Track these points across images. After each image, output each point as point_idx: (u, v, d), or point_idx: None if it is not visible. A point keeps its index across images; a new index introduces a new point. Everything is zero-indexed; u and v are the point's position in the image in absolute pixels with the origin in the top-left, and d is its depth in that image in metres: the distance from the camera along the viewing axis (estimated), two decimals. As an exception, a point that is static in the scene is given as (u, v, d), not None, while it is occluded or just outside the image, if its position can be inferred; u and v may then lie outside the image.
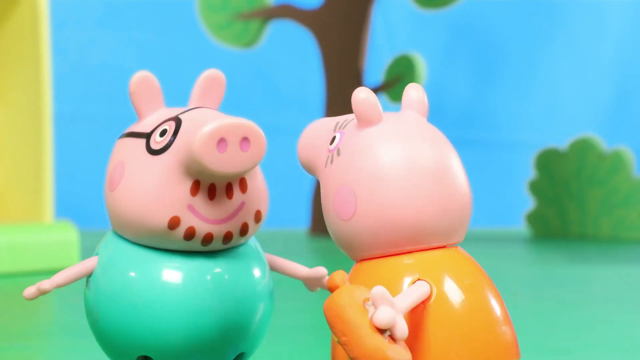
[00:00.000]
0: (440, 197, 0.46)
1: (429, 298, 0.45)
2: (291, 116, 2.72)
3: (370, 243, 0.46)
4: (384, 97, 2.28)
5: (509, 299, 1.12)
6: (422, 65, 2.23)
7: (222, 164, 0.48)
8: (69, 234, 1.31)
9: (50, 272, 0.55)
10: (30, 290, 0.51)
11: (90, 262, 0.52)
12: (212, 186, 0.49)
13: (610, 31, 3.23)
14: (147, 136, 0.51)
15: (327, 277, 0.55)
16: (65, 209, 2.01)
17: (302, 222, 2.43)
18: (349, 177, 0.46)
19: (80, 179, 2.37)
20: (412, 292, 0.44)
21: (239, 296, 0.51)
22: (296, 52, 2.70)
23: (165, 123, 0.51)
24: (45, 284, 0.51)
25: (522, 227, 2.64)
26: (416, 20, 2.85)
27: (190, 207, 0.49)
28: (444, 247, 0.48)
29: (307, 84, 2.67)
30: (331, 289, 0.43)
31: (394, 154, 0.46)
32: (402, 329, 0.41)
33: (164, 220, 0.49)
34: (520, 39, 3.10)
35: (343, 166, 0.47)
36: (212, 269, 0.51)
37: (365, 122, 0.48)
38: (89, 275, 0.53)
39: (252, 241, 0.54)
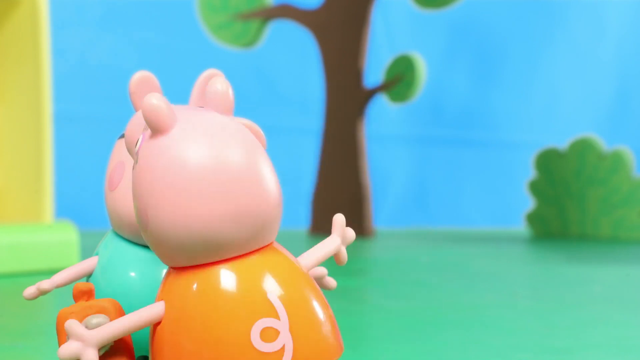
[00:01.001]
0: (230, 206, 0.43)
1: (159, 322, 0.44)
2: (291, 116, 2.72)
3: (167, 256, 0.44)
4: (384, 97, 2.28)
5: (510, 299, 1.12)
6: (422, 65, 2.23)
7: None
8: (69, 234, 1.31)
9: (50, 272, 0.55)
10: (30, 290, 0.51)
11: (90, 262, 0.53)
12: None
13: (610, 31, 3.23)
14: None
15: (327, 277, 0.55)
16: (65, 209, 2.01)
17: (302, 222, 2.43)
18: (141, 187, 0.44)
19: (80, 179, 2.37)
20: (117, 321, 0.43)
21: None
22: (296, 52, 2.70)
23: None
24: (45, 283, 0.51)
25: (522, 227, 2.64)
26: (416, 20, 2.85)
27: None
28: (255, 250, 0.45)
29: (307, 84, 2.67)
30: (75, 297, 0.45)
31: (177, 165, 0.43)
32: (88, 358, 0.42)
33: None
34: (520, 39, 3.10)
35: (138, 174, 0.44)
36: None
37: (154, 131, 0.44)
38: (88, 275, 0.53)
39: None
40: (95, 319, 0.44)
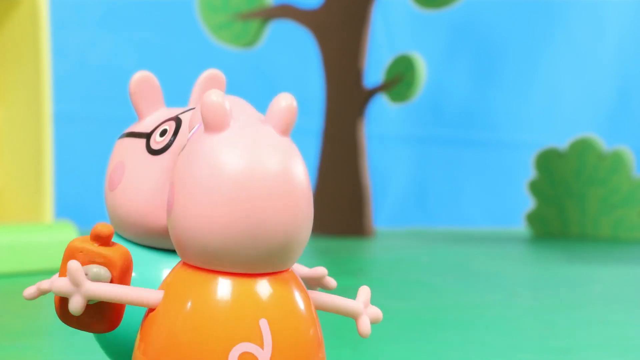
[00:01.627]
0: (258, 222, 0.42)
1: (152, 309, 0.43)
2: (291, 116, 2.72)
3: (181, 249, 0.43)
4: (384, 97, 2.28)
5: (510, 299, 1.12)
6: (422, 65, 2.23)
7: None
8: (69, 234, 1.31)
9: (50, 272, 0.55)
10: (30, 290, 0.51)
11: None
12: None
13: (610, 31, 3.23)
14: (147, 136, 0.51)
15: (327, 278, 0.55)
16: (65, 209, 2.01)
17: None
18: (176, 174, 0.43)
19: (80, 179, 2.37)
20: (116, 286, 0.43)
21: None
22: (296, 52, 2.70)
23: (166, 123, 0.51)
24: (46, 283, 0.51)
25: (522, 227, 2.64)
26: (416, 20, 2.85)
27: None
28: (269, 273, 0.44)
29: (307, 84, 2.67)
30: (91, 236, 0.44)
31: (217, 168, 0.42)
32: (74, 304, 0.42)
33: (163, 220, 0.50)
34: (520, 39, 3.10)
35: (179, 161, 0.44)
36: None
37: (207, 127, 0.44)
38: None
39: None
40: (95, 269, 0.43)
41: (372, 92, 2.25)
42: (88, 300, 0.43)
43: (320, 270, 0.55)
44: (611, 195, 2.35)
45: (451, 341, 0.80)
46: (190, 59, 2.52)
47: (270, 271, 0.44)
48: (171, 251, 0.51)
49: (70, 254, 0.44)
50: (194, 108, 0.52)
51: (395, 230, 2.58)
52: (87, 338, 0.68)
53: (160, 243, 0.50)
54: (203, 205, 0.42)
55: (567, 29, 3.16)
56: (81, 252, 0.44)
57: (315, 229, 2.25)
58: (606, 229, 2.36)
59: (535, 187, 2.50)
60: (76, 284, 0.42)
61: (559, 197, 2.45)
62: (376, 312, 0.48)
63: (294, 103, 0.44)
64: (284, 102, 0.44)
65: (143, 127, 0.52)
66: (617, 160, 2.34)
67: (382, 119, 2.80)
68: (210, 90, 0.44)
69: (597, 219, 2.38)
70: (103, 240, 0.44)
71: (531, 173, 2.52)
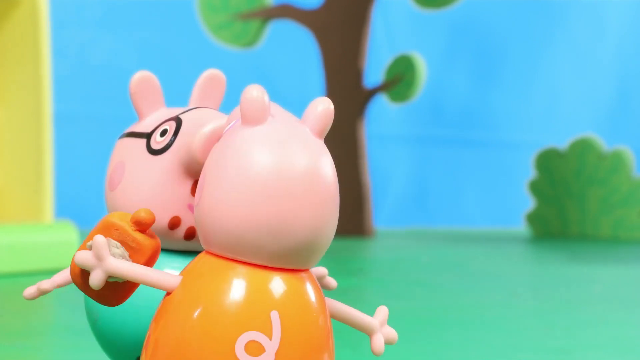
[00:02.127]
0: (284, 218, 0.42)
1: (168, 294, 0.44)
2: (291, 116, 2.72)
3: (205, 236, 0.44)
4: (384, 97, 2.28)
5: (510, 299, 1.12)
6: (422, 65, 2.23)
7: None
8: (69, 234, 1.31)
9: (50, 272, 0.55)
10: (30, 290, 0.51)
11: None
12: None
13: (610, 31, 3.23)
14: (148, 136, 0.51)
15: (327, 278, 0.55)
16: (65, 209, 2.01)
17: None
18: (208, 164, 0.44)
19: (80, 179, 2.37)
20: (138, 267, 0.43)
21: None
22: (296, 52, 2.70)
23: (166, 123, 0.51)
24: (46, 284, 0.51)
25: (522, 227, 2.64)
26: (416, 20, 2.85)
27: (191, 207, 0.50)
28: (290, 270, 0.44)
29: (307, 84, 2.67)
30: (132, 219, 0.44)
31: (250, 160, 0.43)
32: (95, 278, 0.42)
33: (164, 220, 0.50)
34: (520, 39, 3.10)
35: (213, 152, 0.45)
36: None
37: (245, 120, 0.44)
38: None
39: None
40: (118, 251, 0.43)
41: (372, 92, 2.25)
42: (108, 277, 0.43)
43: (321, 270, 0.55)
44: (611, 195, 2.35)
45: (451, 341, 0.80)
46: (190, 59, 2.53)
47: (291, 268, 0.44)
48: (170, 251, 0.51)
49: (105, 227, 0.44)
50: (194, 108, 0.52)
51: (395, 230, 2.58)
52: (87, 338, 0.68)
53: (161, 243, 0.50)
54: (231, 195, 0.43)
55: (567, 29, 3.16)
56: (117, 229, 0.44)
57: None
58: (606, 229, 2.36)
59: (535, 187, 2.50)
60: (99, 258, 0.42)
61: (559, 197, 2.45)
62: (392, 333, 0.48)
63: (331, 107, 0.46)
64: (321, 105, 0.46)
65: (143, 127, 0.52)
66: (617, 160, 2.34)
67: (382, 119, 2.80)
68: (251, 85, 0.44)
69: (597, 218, 2.38)
70: (142, 226, 0.44)
71: (531, 173, 2.52)
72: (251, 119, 0.44)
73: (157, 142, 0.50)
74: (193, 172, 0.49)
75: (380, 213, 2.71)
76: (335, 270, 1.40)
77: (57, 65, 1.58)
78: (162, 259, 0.51)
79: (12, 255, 1.25)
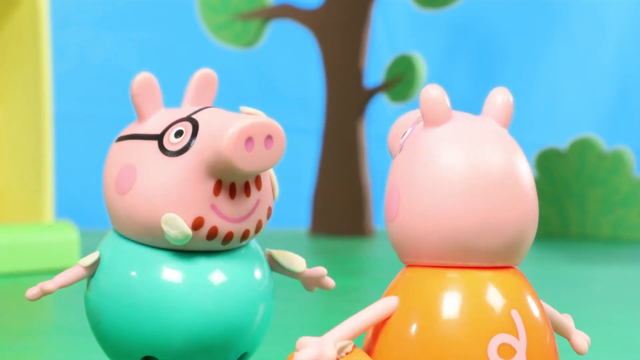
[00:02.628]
0: (488, 213, 0.42)
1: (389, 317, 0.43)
2: (291, 116, 2.72)
3: (410, 249, 0.44)
4: (385, 96, 2.28)
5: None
6: (422, 65, 2.23)
7: (250, 162, 0.48)
8: (69, 234, 1.31)
9: (51, 272, 0.54)
10: (33, 291, 0.51)
11: (86, 270, 0.52)
12: (232, 185, 0.50)
13: (610, 31, 3.23)
14: (159, 137, 0.50)
15: (326, 278, 0.55)
16: (65, 209, 2.01)
17: (302, 222, 2.43)
18: (399, 177, 0.44)
19: (80, 179, 2.37)
20: (354, 317, 0.43)
21: (241, 296, 0.51)
22: (296, 52, 2.70)
23: (179, 124, 0.50)
24: (49, 284, 0.51)
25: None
26: (416, 20, 2.85)
27: (213, 207, 0.49)
28: (499, 267, 0.44)
29: (307, 84, 2.67)
30: None
31: (445, 159, 0.43)
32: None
33: (188, 221, 0.49)
34: (521, 39, 3.10)
35: (398, 164, 0.44)
36: (214, 269, 0.51)
37: (429, 122, 0.44)
38: (91, 275, 0.52)
39: (253, 242, 0.54)
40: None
41: (372, 92, 2.25)
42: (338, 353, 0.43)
43: (320, 270, 0.55)
44: (611, 195, 2.35)
45: (451, 341, 0.80)
46: (191, 59, 2.52)
47: (502, 265, 0.44)
48: (173, 250, 0.51)
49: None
50: (203, 109, 0.51)
51: (395, 230, 2.57)
52: (87, 338, 0.68)
53: (169, 243, 0.50)
54: (439, 200, 0.42)
55: (567, 28, 3.16)
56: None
57: (315, 229, 2.25)
58: (606, 229, 2.36)
59: (535, 187, 2.50)
60: (316, 342, 0.43)
61: (559, 197, 2.45)
62: (587, 337, 0.50)
63: (510, 97, 0.45)
64: (501, 97, 0.45)
65: (148, 128, 0.51)
66: (617, 160, 2.34)
67: (382, 119, 2.80)
68: (428, 85, 0.44)
69: (597, 219, 2.38)
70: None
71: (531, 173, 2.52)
72: (435, 120, 0.44)
73: (173, 143, 0.50)
74: (216, 172, 0.49)
75: (381, 213, 2.71)
76: (336, 270, 1.40)
77: (57, 65, 1.58)
78: (163, 258, 0.51)
79: (12, 255, 1.25)
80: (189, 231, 0.49)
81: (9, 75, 1.38)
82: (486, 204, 0.42)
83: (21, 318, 0.92)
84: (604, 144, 2.39)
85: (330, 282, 0.55)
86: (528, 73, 3.11)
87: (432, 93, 0.44)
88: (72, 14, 2.44)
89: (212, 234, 0.50)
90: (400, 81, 2.22)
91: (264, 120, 0.49)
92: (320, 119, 2.32)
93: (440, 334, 0.42)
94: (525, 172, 0.44)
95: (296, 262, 0.55)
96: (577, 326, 0.54)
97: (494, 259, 0.43)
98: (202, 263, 0.51)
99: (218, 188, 0.49)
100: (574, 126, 2.95)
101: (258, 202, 0.51)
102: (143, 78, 0.52)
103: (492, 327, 0.42)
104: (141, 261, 0.51)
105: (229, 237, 0.50)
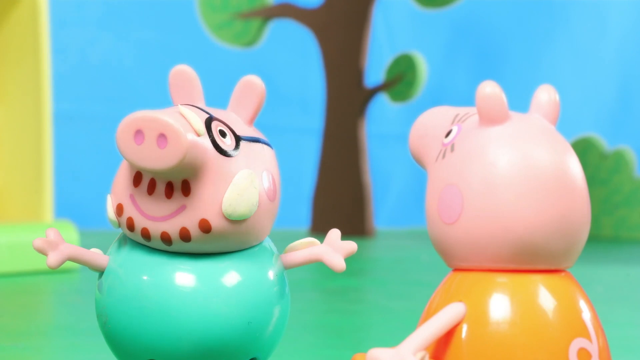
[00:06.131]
0: (557, 215, 0.42)
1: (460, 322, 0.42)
2: (291, 116, 2.72)
3: (469, 253, 0.43)
4: (385, 96, 2.28)
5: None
6: (423, 65, 2.23)
7: (139, 157, 0.47)
8: (69, 234, 1.31)
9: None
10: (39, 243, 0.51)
11: (103, 260, 0.52)
12: (152, 181, 0.48)
13: (612, 30, 3.23)
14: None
15: (316, 243, 0.53)
16: (65, 209, 2.01)
17: (302, 222, 2.42)
18: (459, 178, 0.42)
19: (80, 179, 2.36)
20: (427, 325, 0.42)
21: (251, 300, 0.50)
22: (296, 52, 2.70)
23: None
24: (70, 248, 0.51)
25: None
26: (417, 19, 2.85)
27: (132, 197, 0.49)
28: (550, 271, 0.43)
29: (307, 84, 2.67)
30: None
31: (513, 160, 0.42)
32: None
33: (113, 206, 0.50)
34: (522, 39, 3.10)
35: (455, 164, 0.43)
36: (223, 272, 0.50)
37: (487, 120, 0.44)
38: (100, 273, 0.52)
39: (267, 242, 0.53)
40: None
41: (373, 92, 2.25)
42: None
43: (311, 241, 0.53)
44: (613, 195, 2.35)
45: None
46: (191, 58, 2.52)
47: (558, 267, 0.43)
48: (181, 254, 0.50)
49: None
50: (180, 105, 0.51)
51: (396, 230, 2.58)
52: (86, 338, 0.68)
53: (129, 236, 0.50)
54: (508, 203, 0.41)
55: (568, 28, 3.16)
56: None
57: (315, 229, 2.25)
58: (608, 229, 2.36)
59: (536, 187, 2.50)
60: (392, 353, 0.41)
61: (560, 196, 2.45)
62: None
63: (555, 95, 0.47)
64: (546, 95, 0.46)
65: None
66: (618, 160, 2.34)
67: (383, 119, 2.80)
68: (485, 81, 0.44)
69: (598, 218, 2.38)
70: None
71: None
72: (494, 118, 0.43)
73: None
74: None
75: (381, 213, 2.71)
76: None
77: (57, 65, 1.58)
78: (170, 261, 0.50)
79: (12, 255, 1.25)
80: (114, 217, 0.49)
81: (9, 75, 1.38)
82: (555, 206, 0.42)
83: (21, 318, 0.91)
84: (606, 144, 2.39)
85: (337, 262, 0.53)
86: (529, 72, 3.11)
87: (489, 90, 0.43)
88: (72, 14, 2.44)
89: (130, 225, 0.49)
90: (401, 81, 2.22)
91: (158, 116, 0.47)
92: (321, 119, 2.32)
93: (521, 341, 0.41)
94: (580, 174, 0.44)
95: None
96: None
97: (556, 262, 0.43)
98: (210, 265, 0.50)
99: (138, 180, 0.49)
100: (575, 126, 2.95)
101: (182, 207, 0.48)
102: (179, 70, 0.53)
103: (570, 332, 0.42)
104: (149, 264, 0.50)
105: (165, 237, 0.49)
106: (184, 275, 0.50)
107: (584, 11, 3.18)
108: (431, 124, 0.47)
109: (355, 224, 2.21)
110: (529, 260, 0.42)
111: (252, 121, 0.52)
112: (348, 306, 1.02)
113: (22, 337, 0.80)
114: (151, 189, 0.48)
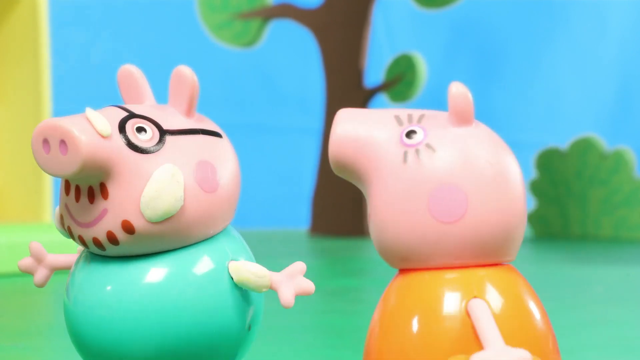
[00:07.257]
0: (517, 210, 0.44)
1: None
2: (291, 116, 2.72)
3: (475, 249, 0.43)
4: (385, 96, 2.28)
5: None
6: (422, 65, 2.23)
7: (49, 165, 0.47)
8: (69, 234, 1.31)
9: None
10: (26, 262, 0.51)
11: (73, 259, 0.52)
12: (77, 188, 0.48)
13: (612, 31, 3.23)
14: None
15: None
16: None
17: (302, 222, 2.42)
18: (458, 176, 0.43)
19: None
20: (488, 322, 0.42)
21: (199, 300, 0.48)
22: (296, 52, 2.70)
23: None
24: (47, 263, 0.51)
25: (522, 227, 2.63)
26: (417, 19, 2.85)
27: (66, 207, 0.49)
28: (494, 264, 0.45)
29: (307, 84, 2.67)
30: None
31: (507, 158, 0.45)
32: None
33: (57, 216, 0.50)
34: (521, 39, 3.10)
35: (444, 163, 0.43)
36: (149, 272, 0.48)
37: (462, 120, 0.45)
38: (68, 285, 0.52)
39: (226, 243, 0.50)
40: None
41: (372, 92, 2.25)
42: None
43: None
44: (613, 195, 2.35)
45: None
46: (191, 58, 2.52)
47: (489, 262, 0.45)
48: (132, 257, 0.49)
49: None
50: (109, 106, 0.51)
51: (395, 230, 2.57)
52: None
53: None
54: (506, 199, 0.44)
55: (568, 28, 3.16)
56: None
57: (315, 229, 2.25)
58: (608, 229, 2.36)
59: (536, 187, 2.49)
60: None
61: (560, 197, 2.45)
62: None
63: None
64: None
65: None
66: (618, 160, 2.34)
67: (382, 119, 2.80)
68: (455, 82, 0.45)
69: (598, 219, 2.38)
70: None
71: (532, 173, 2.51)
72: (466, 118, 0.44)
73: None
74: None
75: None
76: (336, 270, 1.40)
77: (57, 65, 1.58)
78: (116, 264, 0.49)
79: (12, 255, 1.25)
80: (60, 227, 0.49)
81: (9, 74, 1.38)
82: (523, 200, 0.44)
83: (21, 318, 0.91)
84: (605, 144, 2.39)
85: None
86: (529, 73, 3.11)
87: (462, 90, 0.44)
88: (72, 14, 2.44)
89: (71, 235, 0.49)
90: (401, 81, 2.22)
91: (58, 124, 0.46)
92: (321, 119, 2.32)
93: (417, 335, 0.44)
94: (513, 168, 0.46)
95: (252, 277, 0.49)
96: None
97: (503, 255, 0.45)
98: (139, 266, 0.48)
99: (68, 188, 0.48)
100: (575, 126, 2.95)
101: (105, 211, 0.47)
102: (125, 69, 0.53)
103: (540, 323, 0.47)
104: (115, 275, 0.48)
105: (97, 243, 0.48)
106: (115, 278, 0.48)
107: (584, 11, 3.18)
108: (366, 128, 0.45)
109: (355, 224, 2.22)
110: (505, 253, 0.45)
111: (190, 112, 0.50)
112: (348, 306, 1.02)
113: (22, 337, 0.80)
114: (77, 196, 0.48)
